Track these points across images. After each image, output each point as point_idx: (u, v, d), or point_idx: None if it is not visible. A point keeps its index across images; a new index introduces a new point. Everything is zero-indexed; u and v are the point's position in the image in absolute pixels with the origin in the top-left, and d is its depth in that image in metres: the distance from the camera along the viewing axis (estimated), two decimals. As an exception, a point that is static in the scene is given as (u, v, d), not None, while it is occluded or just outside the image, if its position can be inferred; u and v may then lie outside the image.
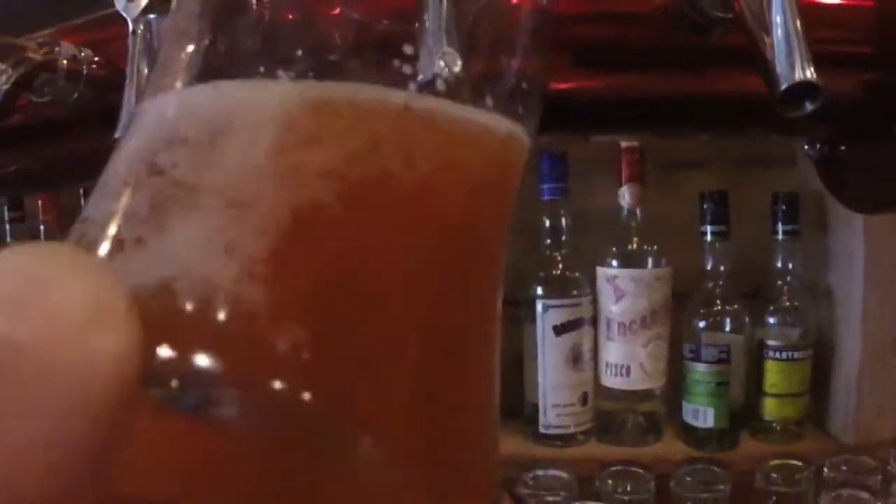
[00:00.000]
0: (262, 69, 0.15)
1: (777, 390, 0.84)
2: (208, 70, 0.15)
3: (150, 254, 0.13)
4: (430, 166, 0.15)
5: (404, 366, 0.14)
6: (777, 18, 0.30)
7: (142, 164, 0.14)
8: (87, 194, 1.01)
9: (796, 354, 0.83)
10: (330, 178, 0.14)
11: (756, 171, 0.89)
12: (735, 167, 0.90)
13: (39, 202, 1.13)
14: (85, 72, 0.44)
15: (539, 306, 0.85)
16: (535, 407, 0.86)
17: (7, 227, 1.19)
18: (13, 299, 0.10)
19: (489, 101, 0.17)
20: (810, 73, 0.28)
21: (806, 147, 0.54)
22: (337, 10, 0.16)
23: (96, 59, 0.46)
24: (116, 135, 0.32)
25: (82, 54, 0.45)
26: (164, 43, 0.16)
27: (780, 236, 0.85)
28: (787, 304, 0.85)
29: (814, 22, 0.41)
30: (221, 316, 0.12)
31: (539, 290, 0.85)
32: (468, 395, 0.16)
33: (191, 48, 0.16)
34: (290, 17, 0.16)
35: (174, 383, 0.12)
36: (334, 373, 0.13)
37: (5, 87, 0.38)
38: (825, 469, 0.77)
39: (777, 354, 0.83)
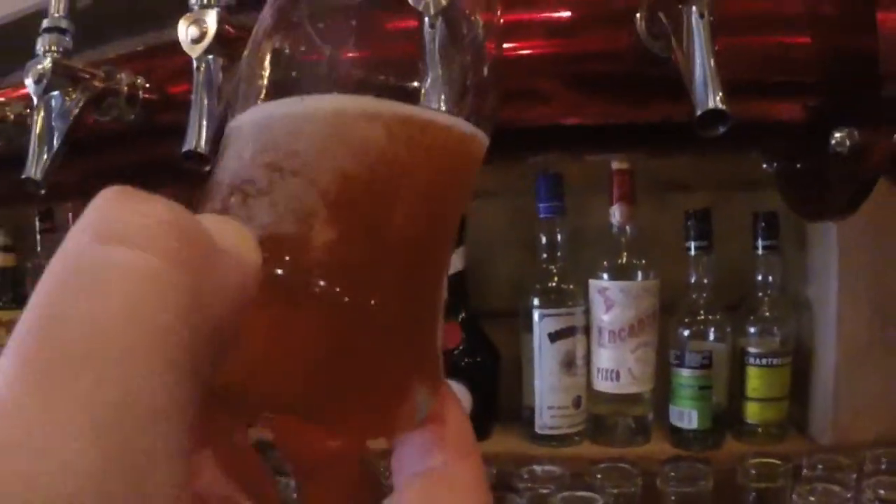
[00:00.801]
0: (316, 88, 0.24)
1: (758, 394, 0.90)
2: (279, 92, 0.24)
3: (260, 212, 0.22)
4: (423, 150, 0.24)
5: (396, 267, 0.24)
6: (697, 59, 0.38)
7: (250, 154, 0.23)
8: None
9: (776, 361, 0.90)
10: (363, 156, 0.23)
11: (739, 193, 0.96)
12: (720, 188, 0.97)
13: (70, 214, 1.22)
14: (141, 96, 0.53)
15: (536, 315, 0.92)
16: (532, 409, 0.93)
17: (38, 237, 1.28)
18: (217, 232, 0.19)
19: (462, 114, 0.26)
20: (720, 103, 0.35)
21: (764, 165, 0.61)
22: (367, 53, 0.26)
23: (148, 85, 0.54)
24: (184, 149, 0.40)
25: (138, 81, 0.54)
26: (242, 77, 0.24)
27: (760, 252, 0.92)
28: (768, 314, 0.91)
29: (766, 57, 0.49)
30: (296, 245, 0.22)
31: (536, 301, 0.93)
32: (429, 284, 0.25)
33: (265, 79, 0.24)
34: (330, 56, 0.25)
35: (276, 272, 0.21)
36: (353, 273, 0.22)
37: (76, 110, 0.48)
38: (803, 467, 0.83)
39: (758, 361, 0.90)
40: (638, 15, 0.41)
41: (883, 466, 0.82)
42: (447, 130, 0.25)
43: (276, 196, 0.22)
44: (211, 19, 0.38)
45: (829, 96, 0.47)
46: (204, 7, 0.39)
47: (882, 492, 0.77)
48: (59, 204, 1.14)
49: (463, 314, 0.96)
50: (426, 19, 0.29)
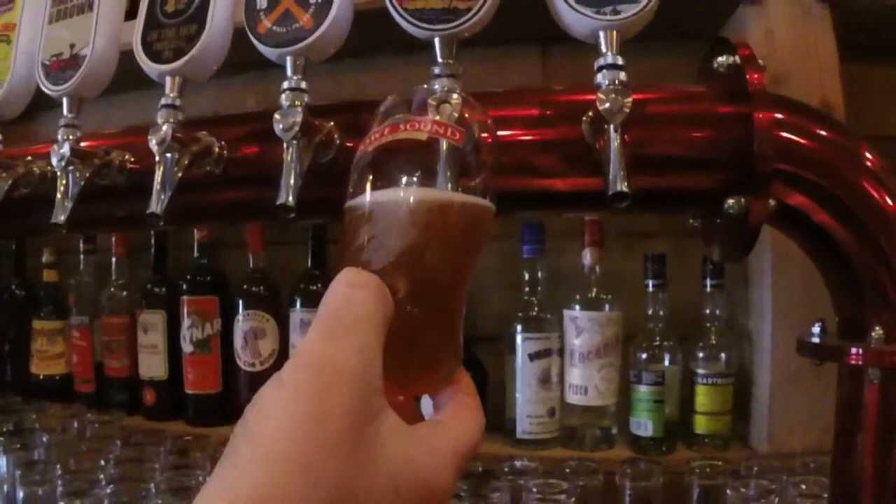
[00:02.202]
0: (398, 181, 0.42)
1: (705, 409, 1.08)
2: (375, 184, 0.43)
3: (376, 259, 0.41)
4: (455, 219, 0.42)
5: (442, 295, 0.42)
6: (612, 159, 0.57)
7: (362, 226, 0.42)
8: (156, 237, 1.30)
9: (720, 381, 1.08)
10: (424, 225, 0.41)
11: (692, 240, 1.15)
12: (676, 236, 1.16)
13: (113, 238, 1.40)
14: (127, 167, 0.76)
15: (518, 339, 1.12)
16: (514, 418, 1.12)
17: (81, 257, 1.47)
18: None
19: (476, 190, 0.44)
20: (622, 187, 0.55)
21: (691, 220, 0.81)
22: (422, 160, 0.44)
23: (131, 158, 0.77)
24: (278, 202, 0.59)
25: (126, 156, 0.76)
26: (355, 171, 0.43)
27: (708, 289, 1.12)
28: (714, 342, 1.10)
29: (681, 144, 0.68)
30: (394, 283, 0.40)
31: (519, 327, 1.12)
32: (458, 304, 0.44)
33: (370, 177, 0.43)
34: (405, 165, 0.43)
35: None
36: (419, 299, 0.41)
37: (82, 182, 0.72)
38: (741, 469, 1.01)
39: (705, 380, 1.08)
40: (584, 119, 0.61)
41: (811, 467, 1.00)
42: (473, 205, 0.44)
43: (381, 252, 0.40)
44: (299, 115, 0.58)
45: (725, 172, 0.66)
46: (293, 107, 0.59)
47: (804, 487, 0.94)
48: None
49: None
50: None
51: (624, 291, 1.13)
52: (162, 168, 0.65)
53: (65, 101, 0.75)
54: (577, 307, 1.11)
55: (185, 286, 1.29)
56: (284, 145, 0.59)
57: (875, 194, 0.67)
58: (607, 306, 1.11)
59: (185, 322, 1.27)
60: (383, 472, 0.35)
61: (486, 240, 0.46)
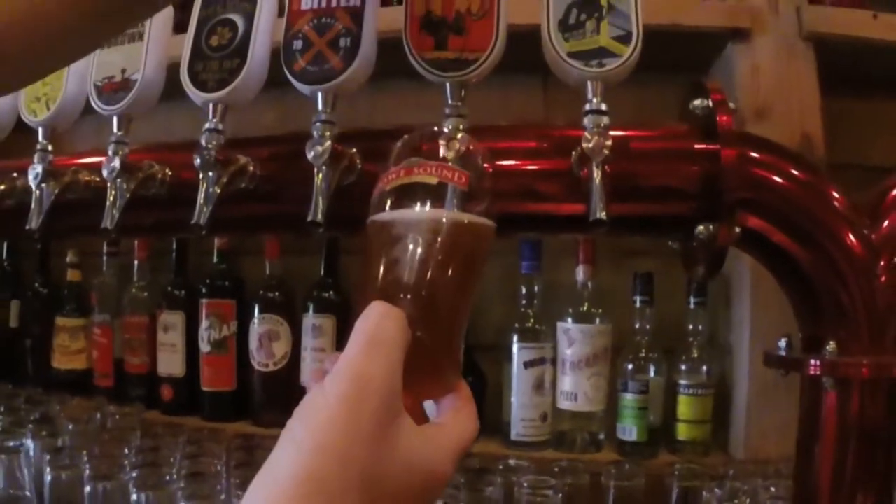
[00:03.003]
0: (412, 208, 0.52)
1: (687, 417, 1.18)
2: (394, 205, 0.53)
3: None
4: (460, 235, 0.52)
5: (442, 311, 0.51)
6: (593, 190, 0.68)
7: (383, 246, 0.52)
8: (178, 242, 1.40)
9: (701, 391, 1.18)
10: (435, 247, 0.51)
11: (679, 260, 1.26)
12: (663, 256, 1.26)
13: (136, 242, 1.50)
14: (168, 179, 0.86)
15: (515, 348, 1.22)
16: (509, 422, 1.22)
17: (104, 258, 1.57)
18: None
19: (479, 211, 0.54)
20: (601, 215, 0.65)
21: (669, 242, 0.91)
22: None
23: (169, 172, 0.87)
24: (309, 219, 0.70)
25: (167, 170, 0.87)
26: (372, 205, 0.53)
27: (692, 306, 1.22)
28: (696, 355, 1.20)
29: (658, 176, 0.78)
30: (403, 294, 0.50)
31: (515, 337, 1.22)
32: (461, 321, 0.53)
33: (390, 201, 0.53)
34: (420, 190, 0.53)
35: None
36: (426, 320, 0.50)
37: (127, 194, 0.82)
38: (718, 473, 1.11)
39: (687, 391, 1.18)
40: (573, 153, 0.71)
41: (783, 472, 1.09)
42: (478, 223, 0.53)
43: (400, 276, 0.50)
44: (328, 145, 0.69)
45: (697, 201, 0.77)
46: (323, 137, 0.70)
47: (773, 489, 1.04)
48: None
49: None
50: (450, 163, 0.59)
51: (614, 306, 1.23)
52: (205, 185, 0.75)
53: (115, 119, 0.85)
54: (570, 320, 1.21)
55: (204, 289, 1.40)
56: (315, 170, 0.69)
57: (829, 217, 0.77)
58: (598, 319, 1.21)
59: (204, 323, 1.37)
60: (399, 462, 0.45)
61: (486, 260, 0.55)
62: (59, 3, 0.58)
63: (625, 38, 0.69)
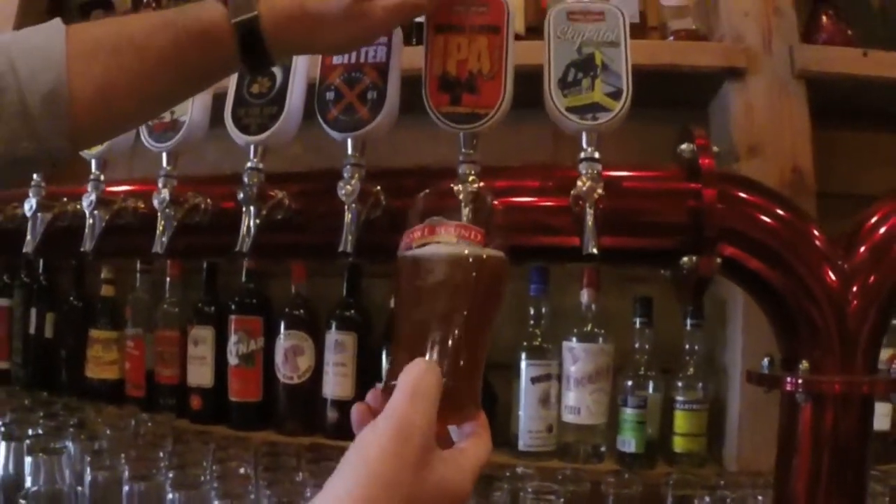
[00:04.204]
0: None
1: (683, 431, 1.29)
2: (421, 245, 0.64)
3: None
4: (479, 269, 0.62)
5: (468, 344, 0.62)
6: (586, 228, 0.79)
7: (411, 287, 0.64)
8: (208, 262, 1.53)
9: (696, 407, 1.28)
10: (455, 285, 0.62)
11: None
12: (663, 281, 1.35)
13: (169, 261, 1.62)
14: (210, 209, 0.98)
15: (523, 365, 1.33)
16: (517, 433, 1.33)
17: (137, 275, 1.69)
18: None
19: (493, 245, 0.64)
20: (592, 249, 0.76)
21: (661, 271, 1.02)
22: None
23: (209, 201, 0.98)
24: (340, 249, 0.82)
25: (208, 200, 0.98)
26: (403, 248, 0.64)
27: (688, 328, 1.33)
28: (692, 372, 1.31)
29: (648, 213, 0.90)
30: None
31: (523, 355, 1.33)
32: (481, 357, 0.64)
33: (418, 233, 0.63)
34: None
35: None
36: (448, 369, 0.61)
37: (175, 223, 0.93)
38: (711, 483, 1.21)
39: (683, 406, 1.29)
40: (571, 193, 0.83)
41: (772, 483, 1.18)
42: (493, 258, 0.63)
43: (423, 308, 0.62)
44: (357, 185, 0.81)
45: (682, 235, 0.88)
46: (353, 178, 0.81)
47: (761, 498, 1.13)
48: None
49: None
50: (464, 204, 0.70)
51: (615, 327, 1.34)
52: (247, 218, 0.87)
53: (164, 156, 0.98)
54: (575, 339, 1.32)
55: (233, 306, 1.52)
56: (345, 207, 0.81)
57: (803, 248, 0.88)
58: (600, 339, 1.32)
59: (233, 338, 1.49)
60: (433, 485, 0.57)
61: (503, 296, 0.66)
62: (162, 70, 0.72)
63: (616, 95, 0.80)
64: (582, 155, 0.80)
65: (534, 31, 1.36)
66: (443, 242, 0.62)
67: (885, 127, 1.43)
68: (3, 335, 1.87)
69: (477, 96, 0.80)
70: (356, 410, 0.63)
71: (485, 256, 0.63)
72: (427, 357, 0.60)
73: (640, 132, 1.15)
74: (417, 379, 0.58)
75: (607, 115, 0.79)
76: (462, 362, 0.62)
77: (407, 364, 0.59)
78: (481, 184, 0.79)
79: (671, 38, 1.37)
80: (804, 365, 0.88)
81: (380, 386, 0.63)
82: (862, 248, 0.90)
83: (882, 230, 0.91)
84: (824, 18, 1.37)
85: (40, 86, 0.72)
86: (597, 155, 0.79)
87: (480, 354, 0.65)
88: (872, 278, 0.88)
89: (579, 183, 0.78)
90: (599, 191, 0.78)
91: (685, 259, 0.86)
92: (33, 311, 1.82)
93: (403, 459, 0.55)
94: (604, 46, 0.82)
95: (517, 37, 1.26)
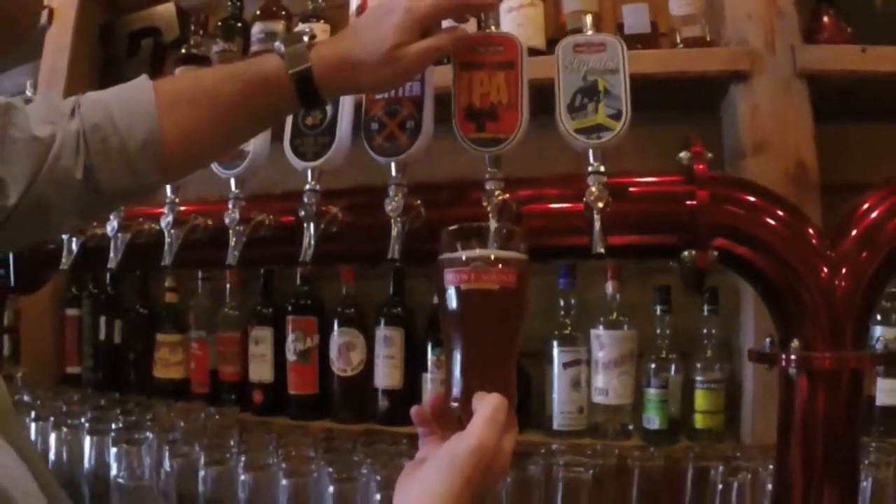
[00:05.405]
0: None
1: (703, 408, 1.44)
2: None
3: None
4: (508, 262, 0.80)
5: (495, 362, 0.81)
6: (594, 234, 0.96)
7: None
8: (265, 270, 1.72)
9: (714, 386, 1.44)
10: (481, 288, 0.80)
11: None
12: (681, 271, 1.53)
13: (227, 273, 1.83)
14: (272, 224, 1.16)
15: (555, 352, 1.49)
16: (551, 415, 1.49)
17: (199, 283, 1.90)
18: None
19: (518, 250, 0.82)
20: (600, 249, 0.93)
21: (671, 262, 1.17)
22: None
23: (271, 217, 1.16)
24: (388, 256, 1.01)
25: (270, 216, 1.16)
26: (447, 284, 0.80)
27: (705, 313, 1.48)
28: (709, 355, 1.46)
29: (653, 215, 1.06)
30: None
31: (555, 343, 1.50)
32: (509, 366, 0.83)
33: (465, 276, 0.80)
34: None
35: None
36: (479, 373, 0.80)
37: (243, 238, 1.10)
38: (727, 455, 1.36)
39: (702, 385, 1.44)
40: (584, 199, 0.99)
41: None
42: (521, 259, 0.81)
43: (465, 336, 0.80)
44: (401, 202, 0.98)
45: (683, 233, 1.04)
46: (397, 196, 0.99)
47: (771, 468, 1.28)
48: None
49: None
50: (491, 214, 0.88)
51: (638, 315, 1.50)
52: (308, 232, 1.05)
53: (232, 181, 1.16)
54: (601, 327, 1.48)
55: (290, 308, 1.71)
56: (392, 220, 0.99)
57: (789, 234, 1.01)
58: (625, 326, 1.48)
59: (290, 336, 1.68)
60: (491, 474, 0.74)
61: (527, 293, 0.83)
62: (233, 114, 0.91)
63: (616, 116, 0.97)
64: (589, 169, 0.96)
65: (554, 43, 1.51)
66: (485, 285, 0.79)
67: (886, 119, 1.52)
68: (74, 342, 2.08)
69: (498, 123, 0.97)
70: (417, 411, 0.82)
71: (517, 289, 0.81)
72: (488, 374, 0.80)
73: (658, 134, 1.29)
74: (495, 408, 0.75)
75: (609, 133, 0.96)
76: (509, 374, 0.81)
77: (477, 390, 0.78)
78: (506, 196, 0.96)
79: (681, 45, 1.49)
80: (795, 343, 1.01)
81: (428, 381, 0.80)
82: (851, 234, 1.02)
83: (870, 218, 1.03)
84: (825, 18, 1.48)
85: (138, 133, 0.90)
86: (602, 168, 0.96)
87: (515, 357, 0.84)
88: (858, 262, 1.01)
89: (588, 192, 0.95)
90: (600, 204, 0.94)
91: (685, 253, 1.02)
92: (102, 320, 2.03)
93: (478, 466, 0.71)
94: (606, 74, 0.98)
95: (539, 52, 1.45)
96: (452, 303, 0.80)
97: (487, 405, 0.75)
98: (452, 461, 0.72)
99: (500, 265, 0.79)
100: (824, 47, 1.43)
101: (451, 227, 0.82)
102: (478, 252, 0.80)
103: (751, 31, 1.43)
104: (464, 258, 0.79)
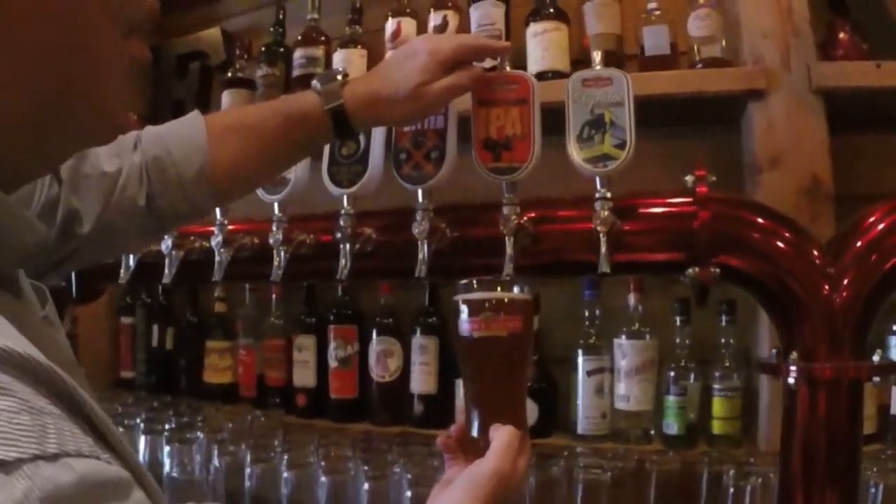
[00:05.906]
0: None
1: (720, 415, 1.52)
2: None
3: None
4: (513, 310, 0.92)
5: (507, 396, 0.94)
6: (601, 248, 1.06)
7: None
8: (308, 284, 1.86)
9: (731, 393, 1.52)
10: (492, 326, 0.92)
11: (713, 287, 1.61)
12: (702, 282, 1.62)
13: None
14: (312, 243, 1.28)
15: (580, 360, 1.59)
16: (576, 421, 1.59)
17: (246, 294, 2.04)
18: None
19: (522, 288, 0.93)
20: (606, 268, 1.03)
21: (681, 277, 1.27)
22: None
23: (312, 236, 1.29)
24: (416, 275, 1.12)
25: (311, 237, 1.28)
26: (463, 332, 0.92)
27: (723, 324, 1.57)
28: (727, 364, 1.54)
29: (658, 232, 1.16)
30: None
31: (580, 351, 1.59)
32: (520, 397, 0.95)
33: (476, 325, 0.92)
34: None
35: None
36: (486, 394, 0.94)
37: (287, 255, 1.23)
38: (741, 460, 1.45)
39: (720, 393, 1.52)
40: (592, 222, 1.09)
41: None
42: (527, 302, 0.92)
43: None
44: (427, 225, 1.10)
45: (687, 251, 1.13)
46: (424, 220, 1.11)
47: None
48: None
49: (535, 359, 1.64)
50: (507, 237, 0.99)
51: (659, 325, 1.59)
52: (344, 252, 1.17)
53: (275, 205, 1.29)
54: (624, 337, 1.58)
55: (331, 317, 1.84)
56: (419, 243, 1.10)
57: (787, 248, 1.10)
58: (646, 336, 1.57)
59: (332, 344, 1.81)
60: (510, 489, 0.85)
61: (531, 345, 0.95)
62: (275, 146, 1.05)
63: (621, 146, 1.07)
64: (597, 195, 1.07)
65: (578, 63, 1.61)
66: (495, 332, 0.90)
67: (899, 130, 1.55)
68: (128, 349, 2.25)
69: (513, 153, 1.08)
70: (443, 441, 0.95)
71: (523, 333, 0.92)
72: (501, 407, 0.92)
73: (681, 147, 1.38)
74: (511, 437, 0.87)
75: (615, 162, 1.06)
76: (520, 404, 0.93)
77: (493, 423, 0.89)
78: (522, 219, 1.07)
79: (699, 65, 1.55)
80: (794, 355, 1.09)
81: (460, 387, 0.95)
82: (856, 246, 1.10)
83: (875, 230, 1.11)
84: (841, 34, 1.52)
85: (192, 165, 1.03)
86: (608, 195, 1.06)
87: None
88: (860, 275, 1.09)
89: (595, 216, 1.05)
90: (609, 223, 1.05)
91: (689, 270, 1.12)
92: (155, 327, 2.18)
93: (496, 486, 0.82)
94: (612, 106, 1.09)
95: (563, 75, 1.55)
96: (466, 348, 0.93)
97: (503, 435, 0.87)
98: (474, 483, 0.83)
99: (507, 313, 0.91)
100: (840, 64, 1.48)
101: (464, 281, 0.93)
102: (489, 295, 0.92)
103: (767, 50, 1.48)
104: (476, 306, 0.91)
